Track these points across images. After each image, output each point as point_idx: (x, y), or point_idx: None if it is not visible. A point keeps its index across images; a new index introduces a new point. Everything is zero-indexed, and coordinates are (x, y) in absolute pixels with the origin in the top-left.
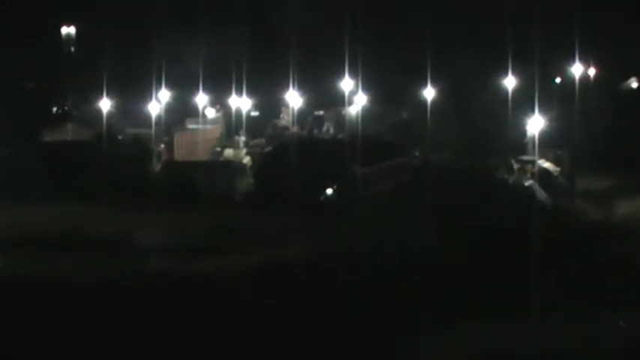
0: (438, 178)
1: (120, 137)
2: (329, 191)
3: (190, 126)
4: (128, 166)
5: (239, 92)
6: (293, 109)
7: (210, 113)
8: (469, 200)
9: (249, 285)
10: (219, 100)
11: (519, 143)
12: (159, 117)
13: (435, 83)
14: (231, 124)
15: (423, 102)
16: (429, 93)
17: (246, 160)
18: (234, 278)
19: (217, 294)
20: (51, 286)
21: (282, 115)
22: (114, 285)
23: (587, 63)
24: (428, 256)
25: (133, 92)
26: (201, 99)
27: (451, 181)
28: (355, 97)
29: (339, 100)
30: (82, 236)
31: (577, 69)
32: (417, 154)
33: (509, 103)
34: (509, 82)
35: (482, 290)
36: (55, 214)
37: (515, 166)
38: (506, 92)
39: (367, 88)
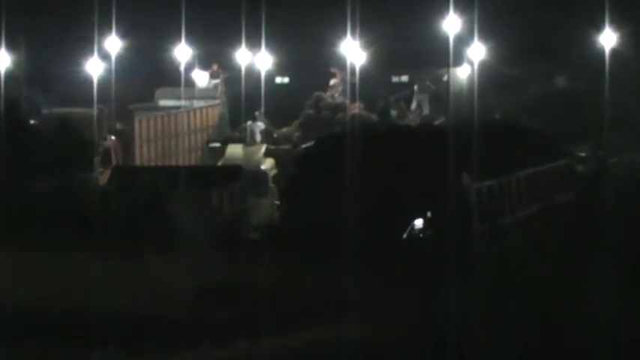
0: (626, 197)
1: (34, 121)
2: (418, 223)
3: (164, 102)
4: (47, 174)
5: (253, 43)
6: (353, 73)
7: (202, 79)
8: None
9: None
10: (216, 56)
11: None
12: (105, 85)
13: (616, 24)
14: (240, 99)
15: (595, 58)
16: (606, 40)
17: (268, 164)
18: None
19: None
20: None
21: (332, 84)
22: None
23: None
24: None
25: (57, 40)
26: (185, 53)
27: None
28: (467, 51)
29: (437, 58)
30: None
31: None
32: (583, 154)
33: None
34: None
35: None
36: None
37: None
38: None
39: (487, 34)
